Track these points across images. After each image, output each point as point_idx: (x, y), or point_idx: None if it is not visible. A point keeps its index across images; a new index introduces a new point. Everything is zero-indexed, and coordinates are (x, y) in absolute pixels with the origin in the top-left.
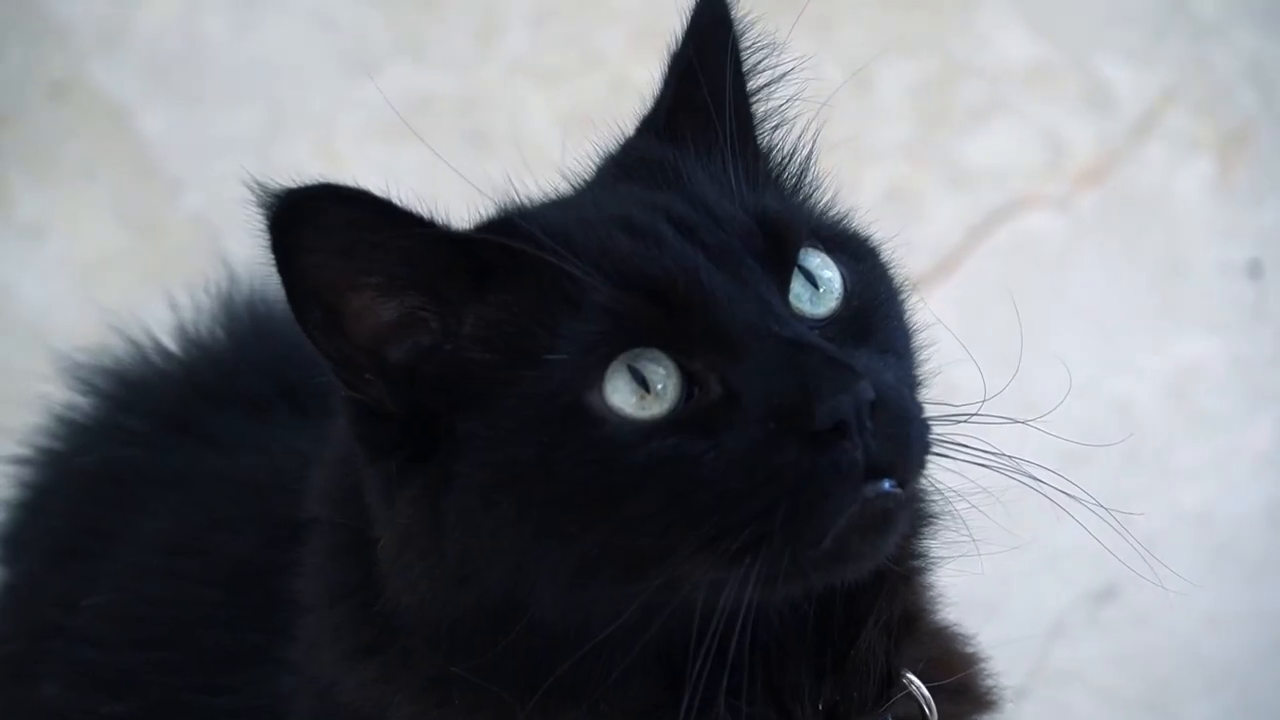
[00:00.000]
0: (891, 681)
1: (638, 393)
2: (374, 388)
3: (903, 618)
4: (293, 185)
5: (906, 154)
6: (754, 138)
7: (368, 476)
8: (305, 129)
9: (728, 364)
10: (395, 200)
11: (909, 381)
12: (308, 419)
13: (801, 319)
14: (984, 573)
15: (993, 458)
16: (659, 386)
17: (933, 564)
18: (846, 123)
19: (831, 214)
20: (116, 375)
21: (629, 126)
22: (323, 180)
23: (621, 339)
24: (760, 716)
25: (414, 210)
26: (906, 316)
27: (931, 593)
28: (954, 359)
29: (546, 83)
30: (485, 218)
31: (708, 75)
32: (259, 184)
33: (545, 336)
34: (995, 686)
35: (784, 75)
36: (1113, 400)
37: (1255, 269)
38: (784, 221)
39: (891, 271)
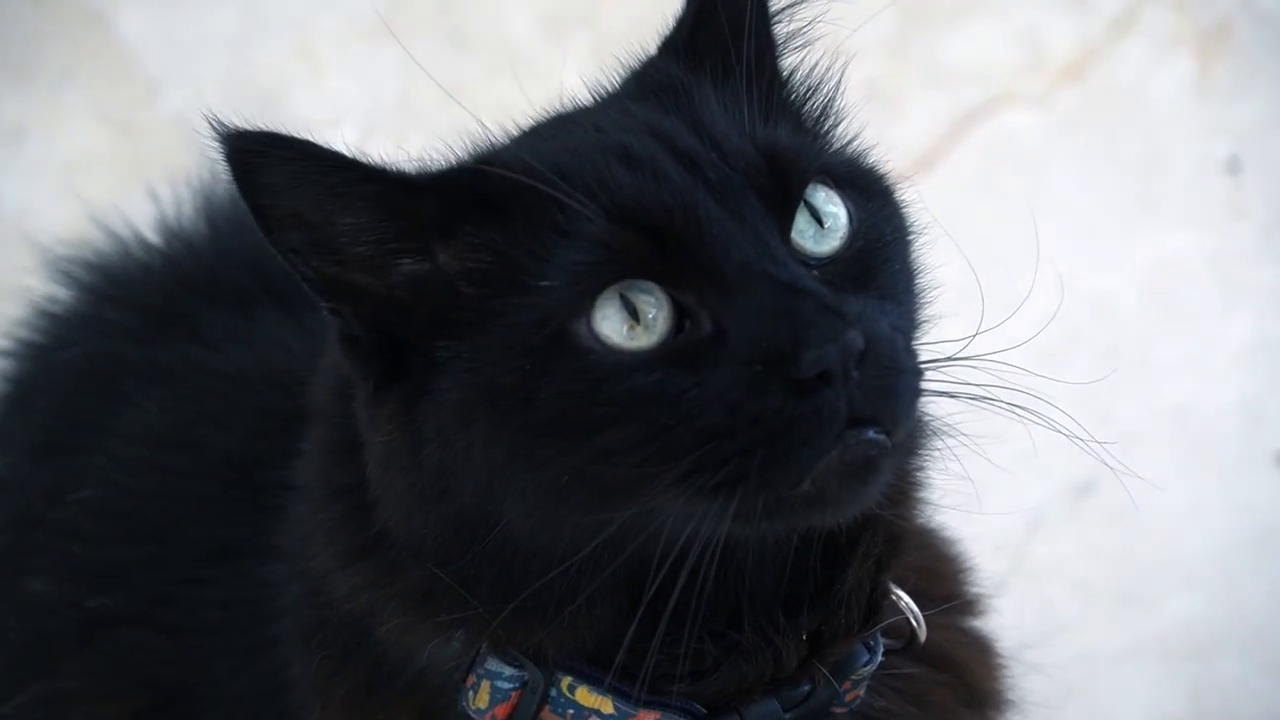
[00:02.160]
0: (877, 606)
1: (627, 322)
2: (345, 312)
3: (889, 540)
4: (241, 129)
5: (887, 52)
6: (774, 62)
7: (357, 388)
8: (284, 30)
9: (720, 301)
10: (343, 153)
11: (906, 327)
12: (292, 314)
13: (803, 257)
14: (963, 468)
15: (981, 398)
16: (649, 317)
17: (922, 484)
18: (827, 21)
19: (849, 149)
20: (98, 268)
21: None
22: (267, 130)
23: (614, 270)
24: (742, 644)
25: (363, 162)
26: (913, 258)
27: (919, 502)
28: (934, 258)
29: None
30: (476, 152)
31: None
32: (214, 119)
33: (535, 264)
34: (982, 593)
35: None
36: (1092, 296)
37: (1234, 165)
38: (792, 157)
39: (903, 212)
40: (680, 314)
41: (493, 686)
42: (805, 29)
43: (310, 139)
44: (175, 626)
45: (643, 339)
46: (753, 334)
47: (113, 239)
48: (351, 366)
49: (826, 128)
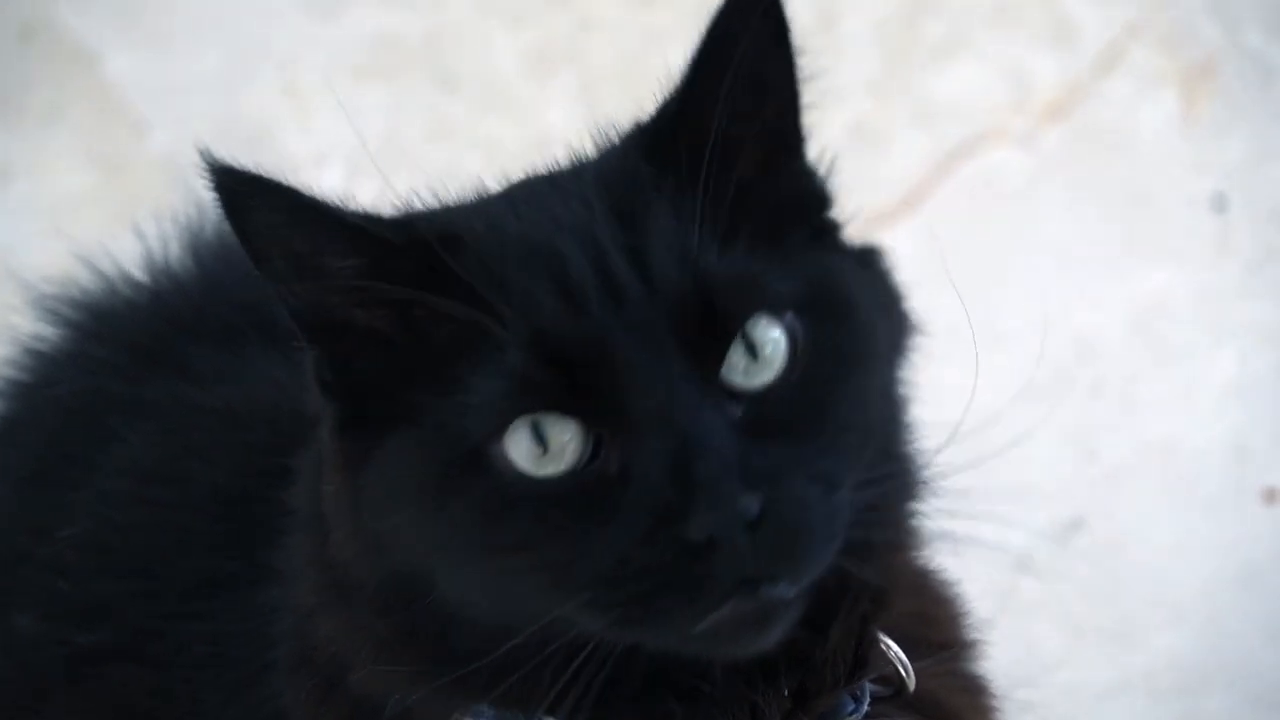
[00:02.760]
0: (865, 658)
1: (537, 450)
2: (319, 355)
3: (875, 596)
4: (229, 166)
5: (871, 90)
6: (751, 160)
7: (324, 422)
8: (271, 70)
9: (627, 444)
10: (334, 204)
11: (835, 471)
12: (281, 349)
13: (733, 391)
14: (949, 508)
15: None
16: (558, 446)
17: (913, 536)
18: (811, 60)
19: (820, 258)
20: (84, 306)
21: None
22: (254, 172)
23: (527, 402)
24: (717, 699)
25: (352, 212)
26: (870, 384)
27: (914, 545)
28: (921, 296)
29: (513, 22)
30: (434, 212)
31: (702, 93)
32: (206, 152)
33: (463, 370)
34: (978, 637)
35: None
36: (1078, 333)
37: (1220, 202)
38: (733, 293)
39: (867, 332)
40: (596, 442)
41: None
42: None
43: (292, 185)
44: (164, 661)
45: (550, 467)
46: (650, 486)
47: (99, 277)
48: (322, 403)
49: (803, 233)
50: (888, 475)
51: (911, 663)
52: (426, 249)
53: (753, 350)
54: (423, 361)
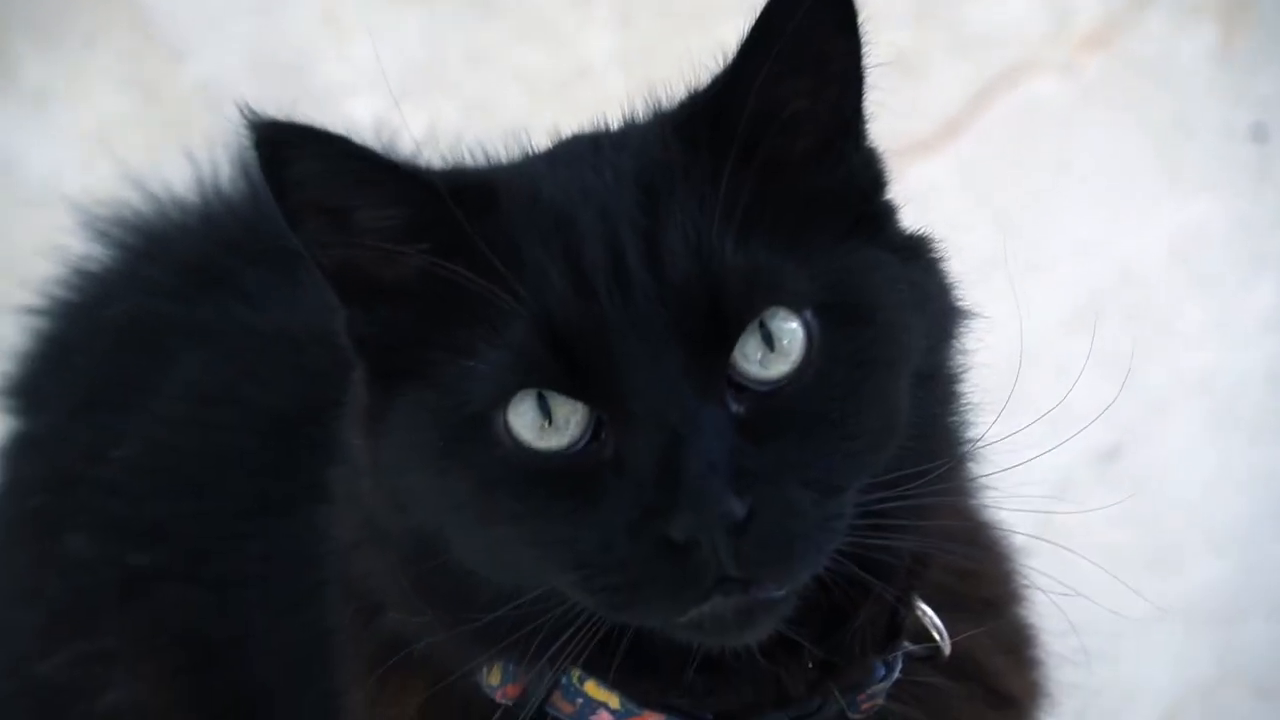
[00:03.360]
0: (897, 630)
1: (540, 422)
2: (354, 311)
3: (912, 566)
4: (271, 120)
5: (912, 20)
6: (791, 147)
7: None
8: None
9: (623, 433)
10: (373, 148)
11: (836, 477)
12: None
13: (744, 381)
14: (989, 434)
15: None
16: (561, 422)
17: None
18: None
19: (851, 258)
20: (136, 227)
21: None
22: (296, 122)
23: (529, 377)
24: (740, 671)
25: (391, 159)
26: (893, 383)
27: (967, 492)
28: (961, 225)
29: None
30: (477, 168)
31: (742, 78)
32: (246, 106)
33: (476, 336)
34: (1026, 589)
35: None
36: (1118, 263)
37: (1259, 132)
38: (744, 288)
39: (897, 337)
40: (599, 422)
41: (503, 666)
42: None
43: (338, 131)
44: (217, 582)
45: (552, 440)
46: (641, 479)
47: (149, 199)
48: (354, 358)
49: (839, 225)
50: (918, 474)
51: (951, 623)
52: (460, 209)
53: (769, 341)
54: (441, 321)
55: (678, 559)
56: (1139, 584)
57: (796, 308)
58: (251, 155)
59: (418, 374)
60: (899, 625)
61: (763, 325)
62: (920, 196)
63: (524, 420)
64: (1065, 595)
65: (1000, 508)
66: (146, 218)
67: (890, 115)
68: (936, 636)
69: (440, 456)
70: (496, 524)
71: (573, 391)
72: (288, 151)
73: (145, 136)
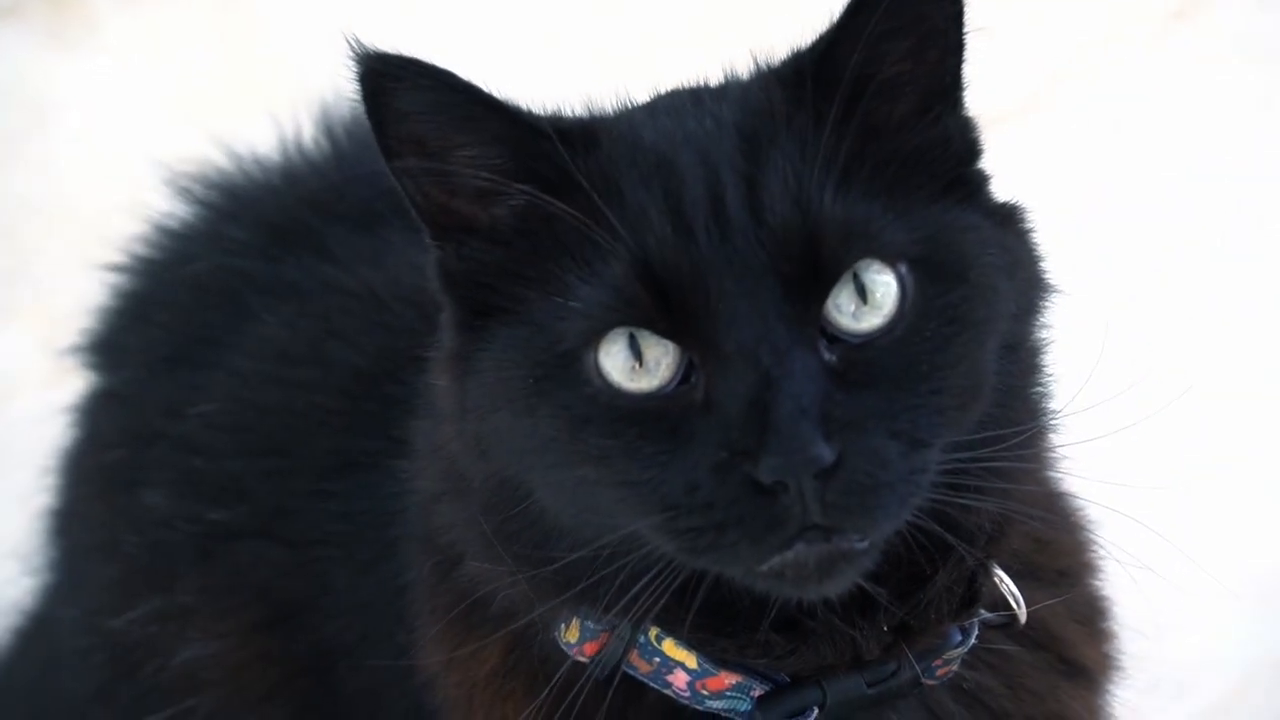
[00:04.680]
0: (974, 597)
1: (631, 363)
2: (448, 246)
3: (993, 530)
4: (379, 51)
5: None
6: (891, 108)
7: (445, 318)
8: None
9: (715, 374)
10: (479, 85)
11: (921, 430)
12: (420, 232)
13: (836, 333)
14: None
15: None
16: (652, 364)
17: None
18: None
19: (951, 229)
20: (218, 185)
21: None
22: (405, 55)
23: (624, 316)
24: (817, 631)
25: (496, 97)
26: (982, 345)
27: (1045, 464)
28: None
29: None
30: (578, 115)
31: (848, 35)
32: (354, 38)
33: (570, 274)
34: (1099, 557)
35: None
36: (1204, 239)
37: None
38: (841, 237)
39: (991, 297)
40: (689, 365)
41: (582, 624)
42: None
43: (444, 66)
44: (296, 539)
45: (641, 382)
46: (730, 420)
47: (233, 158)
48: (443, 299)
49: (934, 186)
50: (999, 438)
51: (1027, 591)
52: (561, 147)
53: (863, 293)
54: (535, 259)
55: (763, 503)
56: (1210, 561)
57: (891, 260)
58: (335, 107)
59: (509, 311)
60: (977, 591)
61: (856, 278)
62: (1002, 169)
63: (615, 361)
64: (1139, 569)
65: (1076, 477)
66: (229, 176)
67: (970, 88)
68: (1014, 605)
69: (529, 395)
70: (582, 464)
71: (665, 331)
72: (392, 83)
73: (228, 94)
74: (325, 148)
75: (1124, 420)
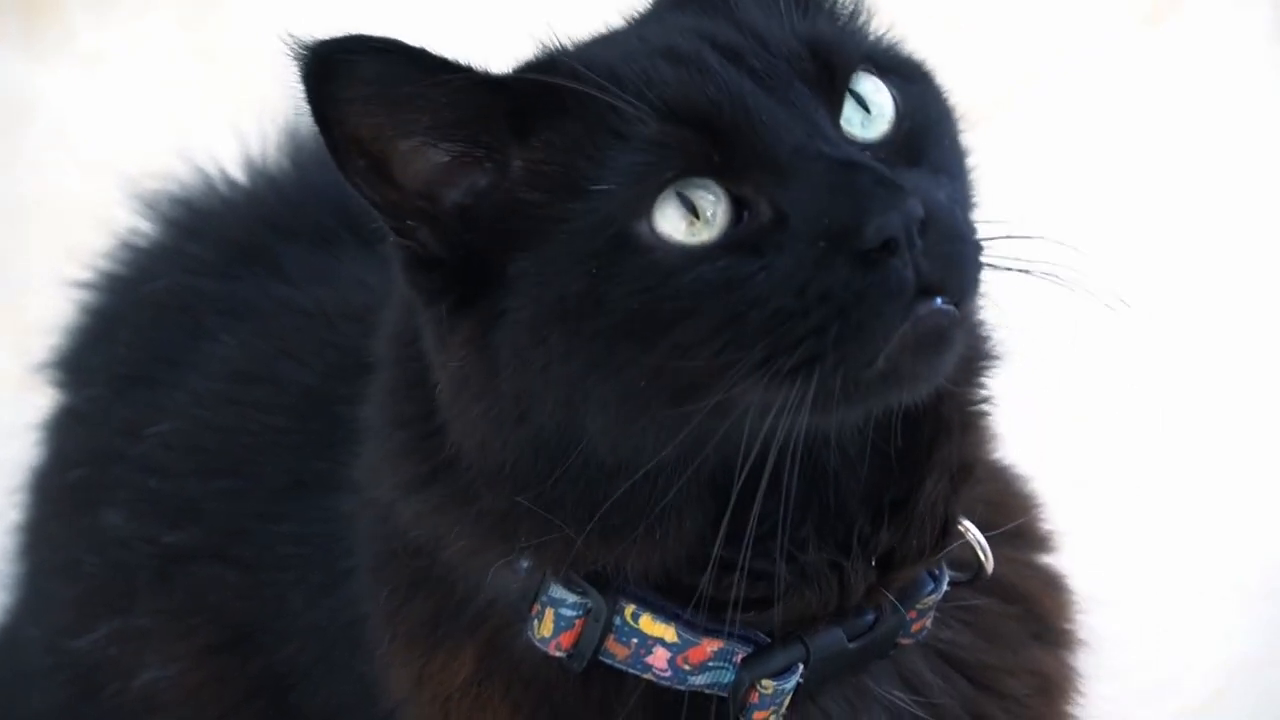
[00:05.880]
0: (948, 530)
1: (687, 219)
2: (421, 233)
3: (961, 465)
4: (324, 38)
5: None
6: None
7: (423, 322)
8: None
9: (776, 186)
10: (428, 49)
11: (962, 201)
12: (374, 251)
13: (852, 142)
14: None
15: (1045, 269)
16: (708, 213)
17: (990, 406)
18: None
19: (884, 40)
20: (183, 203)
21: None
22: (353, 33)
23: (669, 169)
24: (809, 569)
25: (448, 59)
26: (959, 139)
27: (989, 435)
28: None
29: None
30: (528, 59)
31: None
32: (292, 37)
33: (592, 169)
34: (1053, 530)
35: None
36: (1177, 235)
37: None
38: (835, 46)
39: (944, 95)
40: (739, 206)
41: (556, 614)
42: None
43: (391, 37)
44: (250, 562)
45: (704, 234)
46: (813, 213)
47: (197, 174)
48: (422, 294)
49: (860, 22)
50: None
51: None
52: (535, 76)
53: (864, 105)
54: (545, 180)
55: (876, 278)
56: (1192, 561)
57: (876, 71)
58: (298, 124)
59: (536, 233)
60: (948, 530)
61: (853, 92)
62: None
63: (671, 221)
64: (1115, 566)
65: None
66: (193, 193)
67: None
68: (979, 553)
69: (589, 292)
70: (668, 332)
71: (714, 171)
72: (344, 59)
73: (200, 99)
74: (286, 166)
75: (1108, 426)
